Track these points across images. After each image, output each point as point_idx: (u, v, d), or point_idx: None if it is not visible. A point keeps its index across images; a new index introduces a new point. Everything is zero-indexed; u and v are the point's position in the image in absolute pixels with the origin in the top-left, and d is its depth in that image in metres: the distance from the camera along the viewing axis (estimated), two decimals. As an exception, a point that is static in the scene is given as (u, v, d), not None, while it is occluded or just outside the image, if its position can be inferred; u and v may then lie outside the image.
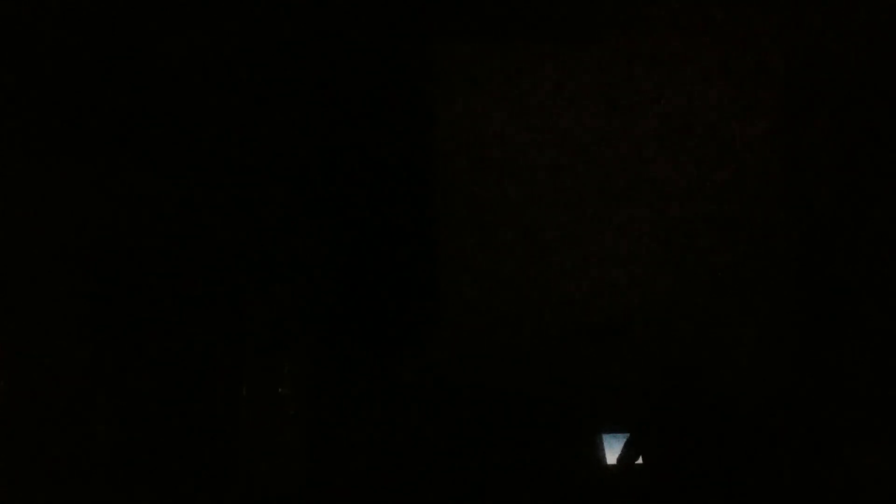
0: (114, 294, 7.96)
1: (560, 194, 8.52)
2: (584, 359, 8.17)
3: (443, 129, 8.46)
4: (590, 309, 8.42)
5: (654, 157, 8.52)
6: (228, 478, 7.93)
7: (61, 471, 7.78)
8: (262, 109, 8.11)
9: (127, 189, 7.92)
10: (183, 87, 7.94)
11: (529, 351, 8.38)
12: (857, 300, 8.28)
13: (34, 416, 7.81)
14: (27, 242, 7.91)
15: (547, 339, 8.39)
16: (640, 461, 7.28)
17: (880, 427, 7.90)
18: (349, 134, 8.29)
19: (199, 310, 7.98)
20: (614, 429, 7.49)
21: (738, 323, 8.43)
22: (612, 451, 7.36)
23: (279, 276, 8.13)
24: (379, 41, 8.23)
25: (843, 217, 8.35)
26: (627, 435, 7.23)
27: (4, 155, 7.87)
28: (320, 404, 8.04)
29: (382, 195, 8.30)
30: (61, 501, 7.72)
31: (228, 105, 8.05)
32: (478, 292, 8.43)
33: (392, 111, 8.30)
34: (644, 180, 8.50)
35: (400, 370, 8.09)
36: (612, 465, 7.33)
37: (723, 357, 8.32)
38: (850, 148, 8.37)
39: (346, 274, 8.22)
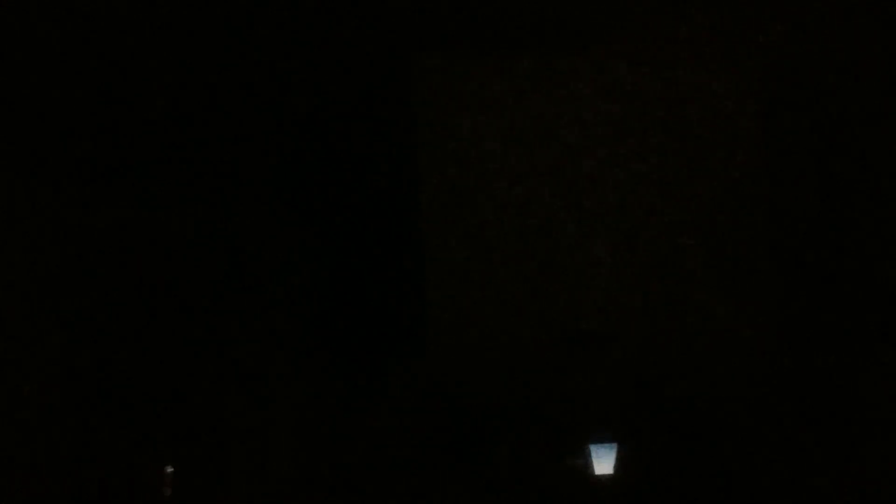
0: (107, 300, 7.98)
1: (545, 205, 8.61)
2: (570, 367, 8.28)
3: (429, 142, 8.53)
4: (576, 319, 8.53)
5: (638, 166, 8.63)
6: (219, 482, 7.98)
7: (51, 471, 7.79)
8: (250, 122, 8.14)
9: (117, 196, 7.90)
10: (172, 104, 7.94)
11: (516, 360, 8.47)
12: (838, 307, 8.44)
13: (26, 422, 7.81)
14: (15, 252, 7.89)
15: (533, 348, 8.49)
16: (624, 469, 7.43)
17: (866, 430, 8.06)
18: (337, 147, 8.35)
19: (191, 320, 8.01)
20: (600, 438, 7.60)
21: (721, 330, 8.57)
22: (599, 460, 7.47)
23: (270, 287, 8.17)
24: (363, 53, 8.27)
25: (824, 226, 8.50)
26: (613, 444, 7.36)
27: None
28: (309, 413, 8.10)
29: (370, 208, 8.36)
30: (53, 501, 7.75)
31: (214, 117, 8.05)
32: (464, 303, 8.52)
33: (378, 126, 8.36)
34: (628, 190, 8.61)
35: (388, 381, 8.16)
36: (599, 474, 7.45)
37: (708, 364, 8.46)
38: (830, 157, 8.52)
39: (335, 286, 8.27)
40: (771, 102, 8.63)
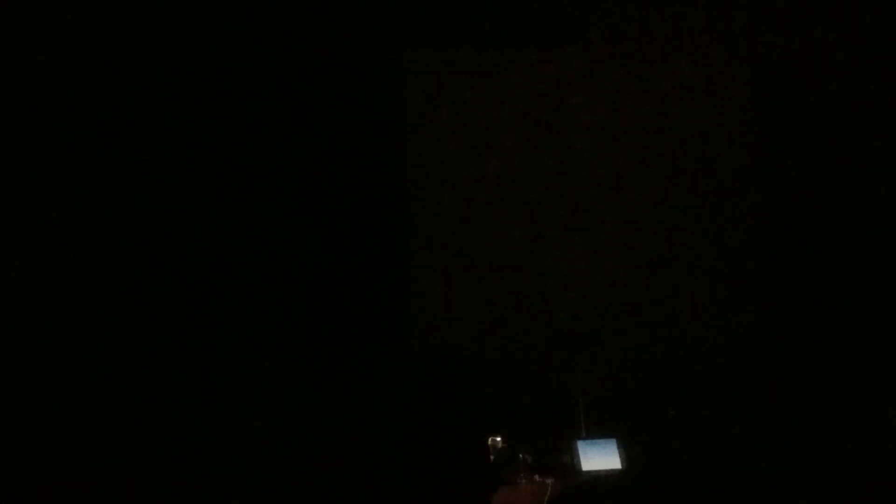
0: (90, 298, 7.98)
1: (531, 202, 8.60)
2: (558, 365, 8.26)
3: (416, 137, 8.53)
4: (563, 316, 8.52)
5: (625, 165, 8.62)
6: (203, 483, 7.98)
7: (37, 474, 7.81)
8: (233, 118, 8.16)
9: (100, 194, 7.93)
10: (152, 102, 7.96)
11: (502, 358, 8.46)
12: (827, 304, 8.41)
13: (14, 422, 7.85)
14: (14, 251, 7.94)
15: (519, 345, 8.49)
16: (616, 467, 7.38)
17: (854, 428, 8.02)
18: (323, 142, 8.35)
19: (176, 318, 8.03)
20: (588, 435, 7.57)
21: (710, 327, 8.54)
22: (587, 457, 7.43)
23: (254, 285, 8.19)
24: (348, 49, 8.28)
25: (812, 223, 8.47)
26: (601, 441, 7.33)
27: None
28: (293, 413, 8.10)
29: (355, 205, 8.37)
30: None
31: (194, 118, 8.07)
32: (450, 300, 8.51)
33: (365, 121, 8.37)
34: (614, 188, 8.59)
35: (373, 379, 8.16)
36: (588, 472, 7.40)
37: (697, 362, 8.43)
38: (820, 158, 8.50)
39: (319, 284, 8.28)
40: (765, 101, 8.60)
